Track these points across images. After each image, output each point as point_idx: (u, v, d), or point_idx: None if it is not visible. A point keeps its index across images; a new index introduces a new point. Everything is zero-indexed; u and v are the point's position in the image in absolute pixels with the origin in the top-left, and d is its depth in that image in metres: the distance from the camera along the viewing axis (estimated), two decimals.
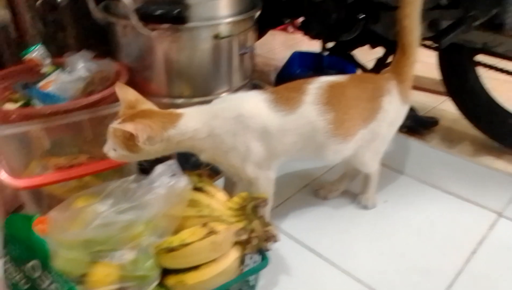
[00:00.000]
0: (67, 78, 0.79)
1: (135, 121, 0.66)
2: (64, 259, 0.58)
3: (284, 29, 2.32)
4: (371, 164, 0.89)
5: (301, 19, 1.30)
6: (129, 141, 0.65)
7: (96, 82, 0.78)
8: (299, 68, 1.58)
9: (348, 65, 1.37)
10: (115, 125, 0.65)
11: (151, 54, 0.84)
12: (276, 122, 0.74)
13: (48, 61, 0.88)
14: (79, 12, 1.01)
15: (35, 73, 0.89)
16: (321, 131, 0.77)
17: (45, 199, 0.89)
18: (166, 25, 0.77)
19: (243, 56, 0.91)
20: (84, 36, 1.04)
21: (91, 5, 0.84)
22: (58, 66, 0.89)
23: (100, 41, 0.99)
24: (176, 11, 0.74)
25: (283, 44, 2.15)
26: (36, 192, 0.86)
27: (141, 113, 0.69)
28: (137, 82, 0.91)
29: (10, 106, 0.81)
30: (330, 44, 1.35)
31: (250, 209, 0.74)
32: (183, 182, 0.66)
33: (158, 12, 0.73)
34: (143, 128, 0.65)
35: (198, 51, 0.84)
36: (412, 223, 0.89)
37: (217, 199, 0.77)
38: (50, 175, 0.77)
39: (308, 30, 1.27)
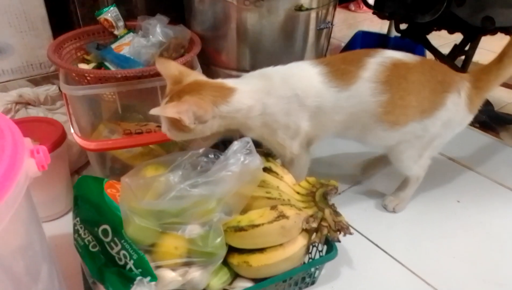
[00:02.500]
0: (142, 42, 0.77)
1: (182, 99, 0.62)
2: (136, 227, 0.57)
3: (346, 7, 2.21)
4: (410, 165, 0.79)
5: None
6: (178, 122, 0.62)
7: (171, 49, 0.75)
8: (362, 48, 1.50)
9: (417, 50, 1.27)
10: (157, 110, 0.61)
11: (227, 23, 0.81)
12: (330, 99, 0.68)
13: (121, 23, 0.86)
14: None
15: (108, 35, 0.88)
16: (369, 113, 0.70)
17: (108, 161, 0.90)
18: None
19: (321, 31, 0.85)
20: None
21: None
22: (131, 29, 0.88)
23: (170, 6, 0.97)
24: None
25: (344, 22, 2.05)
26: (101, 154, 0.86)
27: (188, 88, 0.64)
28: (208, 51, 0.88)
29: (83, 67, 0.80)
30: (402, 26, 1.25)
31: (319, 196, 0.71)
32: (257, 161, 0.63)
33: None
34: (187, 109, 0.61)
35: (276, 23, 0.79)
36: (487, 228, 0.82)
37: (285, 182, 0.74)
38: (120, 139, 0.76)
39: (381, 8, 1.18)
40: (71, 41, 0.83)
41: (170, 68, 0.66)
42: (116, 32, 0.87)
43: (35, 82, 0.98)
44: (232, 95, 0.65)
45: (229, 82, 0.67)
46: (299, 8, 0.76)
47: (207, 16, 0.84)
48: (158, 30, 0.76)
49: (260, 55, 0.85)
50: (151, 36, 0.76)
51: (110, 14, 0.85)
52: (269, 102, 0.67)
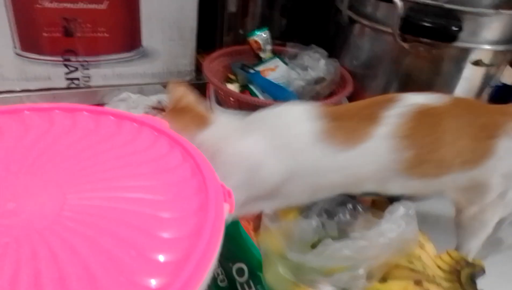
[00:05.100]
0: (294, 72, 0.74)
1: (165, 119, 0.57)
2: (276, 275, 0.53)
3: None
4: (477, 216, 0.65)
5: None
6: None
7: (324, 85, 0.71)
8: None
9: None
10: None
11: (389, 64, 0.75)
12: (320, 161, 0.56)
13: (269, 47, 0.85)
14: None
15: (251, 56, 0.87)
16: (387, 169, 0.56)
17: None
18: (427, 40, 0.66)
19: (488, 89, 0.76)
20: (297, 27, 0.99)
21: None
22: (276, 54, 0.86)
23: (314, 35, 0.94)
24: (449, 27, 0.62)
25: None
26: None
27: (175, 111, 0.60)
28: (355, 88, 0.83)
29: (230, 87, 0.79)
30: None
31: (466, 278, 0.61)
32: (415, 231, 0.56)
33: (426, 23, 0.63)
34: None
35: (447, 74, 0.72)
36: None
37: (426, 251, 0.66)
38: None
39: None
40: (221, 58, 0.83)
41: (177, 89, 0.63)
42: (262, 55, 0.85)
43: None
44: (207, 125, 0.58)
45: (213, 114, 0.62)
46: (476, 63, 0.68)
47: (362, 53, 0.79)
48: (321, 64, 0.72)
49: None
50: (310, 69, 0.73)
51: (262, 36, 0.83)
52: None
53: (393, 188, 0.60)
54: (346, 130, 0.56)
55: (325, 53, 0.75)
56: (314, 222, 0.59)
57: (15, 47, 0.79)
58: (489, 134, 0.58)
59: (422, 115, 0.56)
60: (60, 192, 0.31)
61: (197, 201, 0.33)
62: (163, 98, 0.92)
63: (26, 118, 0.38)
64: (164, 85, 1.02)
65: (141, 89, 0.98)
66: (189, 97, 0.64)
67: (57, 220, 0.29)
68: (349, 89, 0.73)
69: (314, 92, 0.69)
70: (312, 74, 0.72)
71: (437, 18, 0.63)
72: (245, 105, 0.69)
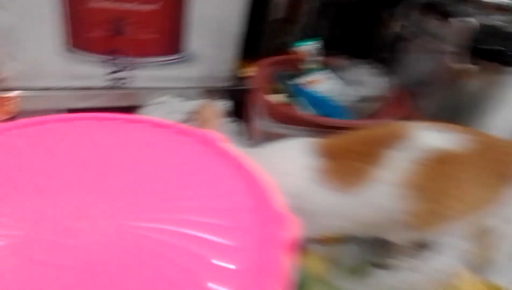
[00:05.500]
0: (342, 86, 0.71)
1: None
2: None
3: None
4: None
5: None
6: None
7: (379, 104, 0.68)
8: None
9: None
10: None
11: (444, 85, 0.71)
12: (317, 203, 0.50)
13: (315, 58, 0.82)
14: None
15: (294, 67, 0.85)
16: (391, 221, 0.50)
17: None
18: (490, 63, 0.62)
19: None
20: (345, 38, 0.96)
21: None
22: (322, 66, 0.83)
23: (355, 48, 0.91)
24: None
25: None
26: None
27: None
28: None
29: (273, 98, 0.77)
30: None
31: None
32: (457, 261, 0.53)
33: (493, 46, 0.60)
34: None
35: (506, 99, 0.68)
36: None
37: (465, 283, 0.63)
38: None
39: None
40: (267, 66, 0.81)
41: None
42: (308, 66, 0.83)
43: (207, 93, 0.99)
44: None
45: None
46: None
47: (415, 70, 0.76)
48: (374, 80, 0.69)
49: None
50: (362, 85, 0.70)
51: (311, 46, 0.81)
52: None
53: (395, 237, 0.55)
54: (344, 170, 0.49)
55: (379, 68, 0.72)
56: (355, 246, 0.57)
57: (63, 44, 0.79)
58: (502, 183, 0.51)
59: (437, 163, 0.48)
60: (119, 211, 0.29)
61: (263, 230, 0.31)
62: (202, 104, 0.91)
63: (93, 127, 0.37)
64: (204, 90, 1.01)
65: (180, 92, 0.97)
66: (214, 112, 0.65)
67: (116, 243, 0.27)
68: (404, 110, 0.70)
69: (367, 111, 0.66)
70: (366, 90, 0.69)
71: (510, 42, 0.59)
72: (296, 120, 0.67)
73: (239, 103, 0.90)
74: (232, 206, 0.32)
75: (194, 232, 0.28)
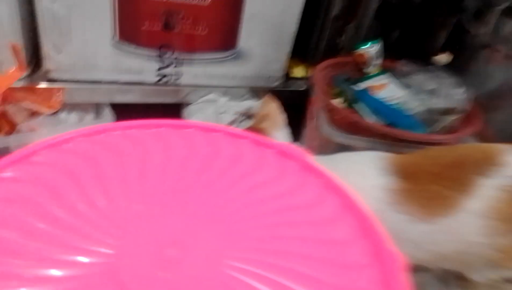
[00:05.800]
0: (410, 94, 0.65)
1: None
2: None
3: None
4: None
5: None
6: None
7: (454, 118, 0.62)
8: None
9: None
10: None
11: None
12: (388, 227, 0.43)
13: (377, 61, 0.76)
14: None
15: (354, 70, 0.79)
16: (474, 255, 0.44)
17: None
18: None
19: None
20: (410, 42, 0.90)
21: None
22: (384, 70, 0.77)
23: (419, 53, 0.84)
24: None
25: None
26: None
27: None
28: None
29: (336, 103, 0.72)
30: None
31: None
32: None
33: None
34: None
35: None
36: None
37: None
38: None
39: None
40: (326, 69, 0.75)
41: (270, 104, 0.62)
42: (367, 70, 0.77)
43: (255, 93, 0.94)
44: None
45: None
46: None
47: (490, 80, 0.69)
48: (452, 92, 0.63)
49: None
50: (437, 96, 0.63)
51: (372, 48, 0.75)
52: None
53: (476, 274, 0.48)
54: (426, 195, 0.44)
55: (451, 76, 0.66)
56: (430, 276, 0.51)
57: (114, 37, 0.76)
58: None
59: None
60: (218, 244, 0.25)
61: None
62: (253, 104, 0.87)
63: (192, 138, 0.33)
64: (252, 90, 0.96)
65: (227, 91, 0.93)
66: (275, 115, 0.61)
67: (209, 285, 0.23)
68: (477, 126, 0.63)
69: (442, 124, 0.60)
70: (441, 101, 0.62)
71: None
72: (362, 129, 0.61)
73: (290, 105, 0.85)
74: (346, 258, 0.26)
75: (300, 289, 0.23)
